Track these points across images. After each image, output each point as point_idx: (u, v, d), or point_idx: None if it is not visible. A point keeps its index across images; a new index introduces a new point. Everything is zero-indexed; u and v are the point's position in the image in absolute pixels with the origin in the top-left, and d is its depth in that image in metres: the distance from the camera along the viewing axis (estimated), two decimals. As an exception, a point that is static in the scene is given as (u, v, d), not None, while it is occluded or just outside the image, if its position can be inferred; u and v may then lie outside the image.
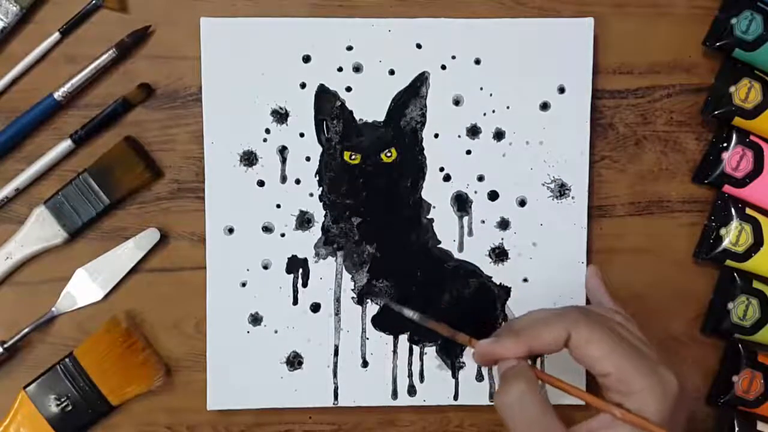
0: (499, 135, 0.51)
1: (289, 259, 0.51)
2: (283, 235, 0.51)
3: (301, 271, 0.51)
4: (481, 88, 0.51)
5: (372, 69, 0.51)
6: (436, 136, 0.51)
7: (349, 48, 0.50)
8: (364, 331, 0.52)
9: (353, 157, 0.51)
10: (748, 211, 0.52)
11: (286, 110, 0.51)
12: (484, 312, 0.52)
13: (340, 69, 0.51)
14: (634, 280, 0.53)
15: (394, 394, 0.52)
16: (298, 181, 0.51)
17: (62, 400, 0.50)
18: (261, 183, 0.51)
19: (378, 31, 0.50)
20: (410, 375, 0.52)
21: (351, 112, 0.51)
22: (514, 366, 0.41)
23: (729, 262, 0.52)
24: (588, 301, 0.50)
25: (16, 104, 0.51)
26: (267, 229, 0.51)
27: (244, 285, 0.51)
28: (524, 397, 0.39)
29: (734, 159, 0.51)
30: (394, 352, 0.52)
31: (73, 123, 0.51)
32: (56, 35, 0.50)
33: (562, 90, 0.51)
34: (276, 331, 0.51)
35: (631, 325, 0.42)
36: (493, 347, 0.41)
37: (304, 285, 0.51)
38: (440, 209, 0.51)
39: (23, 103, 0.50)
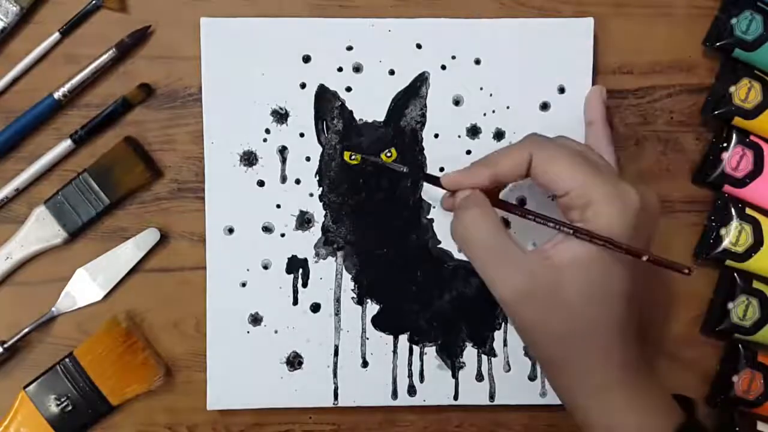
0: (499, 135, 0.51)
1: (289, 259, 0.51)
2: (283, 235, 0.51)
3: (301, 271, 0.51)
4: (481, 88, 0.51)
5: (372, 69, 0.51)
6: (436, 136, 0.51)
7: (349, 48, 0.50)
8: (364, 331, 0.52)
9: (353, 157, 0.51)
10: (748, 211, 0.52)
11: (286, 110, 0.51)
12: (484, 312, 0.52)
13: (340, 69, 0.51)
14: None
15: (394, 394, 0.52)
16: (298, 181, 0.51)
17: (62, 400, 0.50)
18: (261, 183, 0.51)
19: (378, 31, 0.50)
20: (410, 375, 0.52)
21: (351, 112, 0.51)
22: (467, 195, 0.42)
23: (729, 262, 0.52)
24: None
25: (16, 104, 0.51)
26: (267, 229, 0.51)
27: (244, 285, 0.51)
28: (477, 222, 0.41)
29: (734, 159, 0.51)
30: (394, 352, 0.52)
31: (73, 123, 0.51)
32: (56, 35, 0.50)
33: (562, 90, 0.51)
34: (276, 331, 0.51)
35: (597, 155, 0.43)
36: (457, 175, 0.42)
37: (304, 285, 0.51)
38: (440, 209, 0.51)
39: (23, 103, 0.50)
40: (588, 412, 0.41)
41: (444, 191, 0.45)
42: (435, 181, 0.45)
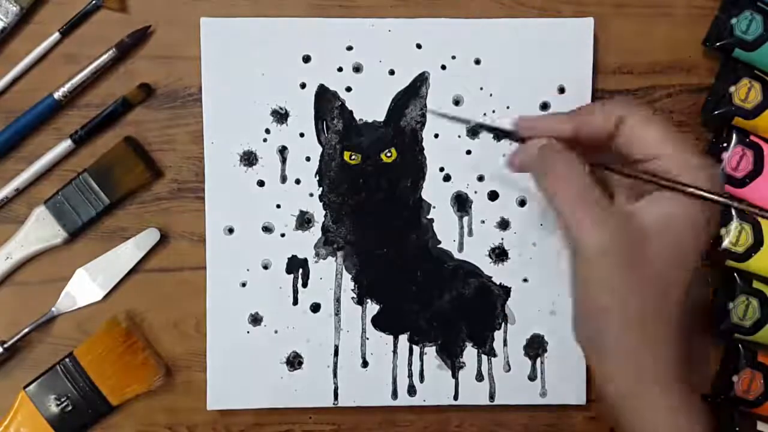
0: (499, 135, 0.51)
1: (289, 259, 0.51)
2: (283, 235, 0.51)
3: (301, 271, 0.51)
4: (481, 88, 0.51)
5: (372, 69, 0.51)
6: (436, 136, 0.51)
7: (349, 48, 0.50)
8: (364, 331, 0.52)
9: (353, 157, 0.51)
10: (749, 211, 0.52)
11: (286, 110, 0.51)
12: (484, 312, 0.52)
13: (340, 69, 0.51)
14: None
15: (394, 394, 0.52)
16: (298, 181, 0.51)
17: (62, 400, 0.50)
18: (261, 183, 0.51)
19: (378, 31, 0.50)
20: (410, 375, 0.52)
21: (351, 112, 0.51)
22: (549, 143, 0.39)
23: (729, 262, 0.52)
24: None
25: (16, 104, 0.51)
26: (267, 229, 0.51)
27: (244, 285, 0.51)
28: (569, 172, 0.38)
29: (734, 159, 0.51)
30: (394, 352, 0.52)
31: (73, 123, 0.51)
32: (56, 35, 0.50)
33: (562, 90, 0.51)
34: (276, 331, 0.51)
35: None
36: (537, 119, 0.40)
37: (304, 285, 0.51)
38: (440, 209, 0.51)
39: (23, 103, 0.50)
40: (633, 411, 0.37)
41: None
42: (504, 132, 0.41)
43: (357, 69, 0.51)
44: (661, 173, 0.37)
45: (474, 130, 0.51)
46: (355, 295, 0.52)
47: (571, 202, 0.37)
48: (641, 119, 0.38)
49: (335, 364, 0.52)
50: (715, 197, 0.37)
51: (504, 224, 0.52)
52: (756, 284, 0.52)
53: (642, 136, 0.38)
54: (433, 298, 0.52)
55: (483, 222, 0.51)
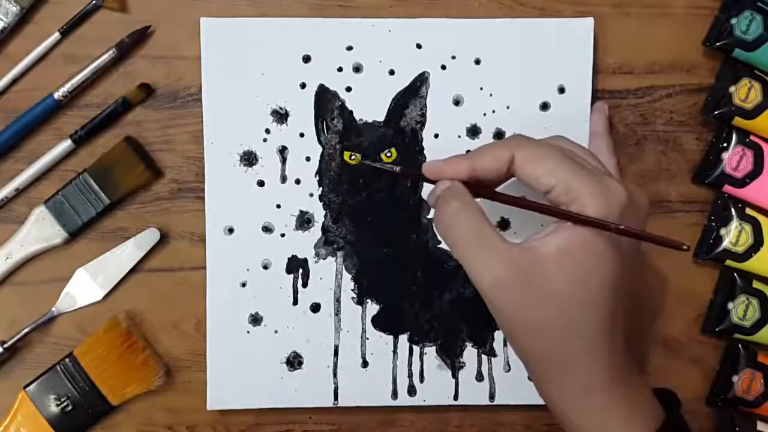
0: (499, 135, 0.51)
1: (289, 259, 0.51)
2: (283, 235, 0.51)
3: (301, 271, 0.51)
4: (481, 88, 0.51)
5: (372, 69, 0.51)
6: (436, 136, 0.51)
7: (349, 48, 0.50)
8: (364, 331, 0.52)
9: (353, 157, 0.51)
10: (748, 211, 0.52)
11: (286, 110, 0.51)
12: (484, 312, 0.52)
13: (340, 69, 0.51)
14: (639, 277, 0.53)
15: (394, 394, 0.52)
16: (298, 181, 0.51)
17: (62, 400, 0.50)
18: (261, 183, 0.51)
19: (378, 31, 0.50)
20: (410, 375, 0.52)
21: (351, 112, 0.51)
22: (448, 186, 0.41)
23: (729, 262, 0.52)
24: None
25: (16, 104, 0.51)
26: (267, 229, 0.51)
27: (244, 285, 0.51)
28: (458, 215, 0.40)
29: (734, 159, 0.51)
30: (394, 352, 0.52)
31: (73, 123, 0.51)
32: (56, 35, 0.50)
33: (562, 90, 0.51)
34: (276, 331, 0.51)
35: (592, 156, 0.43)
36: (438, 163, 0.42)
37: (304, 285, 0.51)
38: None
39: (23, 103, 0.50)
40: (569, 413, 0.40)
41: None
42: (416, 173, 0.44)
43: (357, 69, 0.51)
44: (559, 204, 0.39)
45: (474, 130, 0.51)
46: (355, 295, 0.52)
47: (462, 244, 0.40)
48: (529, 155, 0.40)
49: (335, 364, 0.52)
50: (591, 220, 0.38)
51: (504, 224, 0.52)
52: (756, 284, 0.52)
53: (532, 170, 0.40)
54: (433, 298, 0.52)
55: (483, 222, 0.51)
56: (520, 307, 0.39)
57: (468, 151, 0.51)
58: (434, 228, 0.42)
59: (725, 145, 0.52)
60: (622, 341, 0.40)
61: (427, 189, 0.51)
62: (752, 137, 0.52)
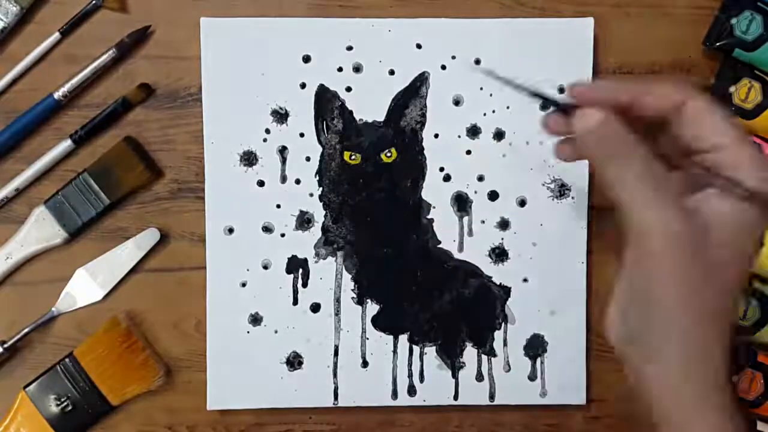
0: (499, 135, 0.51)
1: (289, 259, 0.51)
2: (283, 235, 0.51)
3: (301, 271, 0.51)
4: (481, 88, 0.51)
5: (372, 69, 0.51)
6: (436, 136, 0.51)
7: (349, 48, 0.50)
8: (364, 331, 0.52)
9: (353, 157, 0.51)
10: (748, 211, 0.52)
11: (286, 110, 0.51)
12: (484, 312, 0.52)
13: (340, 69, 0.51)
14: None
15: (394, 394, 0.52)
16: (298, 181, 0.51)
17: (62, 400, 0.50)
18: (261, 183, 0.51)
19: (378, 31, 0.50)
20: (410, 375, 0.52)
21: (351, 112, 0.51)
22: (605, 116, 0.35)
23: (729, 262, 0.52)
24: None
25: (16, 104, 0.51)
26: (267, 229, 0.51)
27: (244, 285, 0.51)
28: (630, 145, 0.35)
29: (734, 159, 0.51)
30: (394, 352, 0.52)
31: (73, 123, 0.51)
32: (56, 35, 0.50)
33: (562, 90, 0.51)
34: (276, 331, 0.51)
35: None
36: (591, 87, 0.37)
37: (304, 285, 0.51)
38: (440, 209, 0.51)
39: (23, 103, 0.50)
40: (678, 399, 0.35)
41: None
42: (549, 99, 0.39)
43: (357, 69, 0.51)
44: (720, 166, 0.35)
45: (474, 130, 0.51)
46: (355, 295, 0.52)
47: (640, 185, 0.34)
48: (705, 106, 0.36)
49: (335, 364, 0.52)
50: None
51: (504, 224, 0.52)
52: (756, 284, 0.52)
53: (706, 123, 0.36)
54: (433, 298, 0.52)
55: (483, 222, 0.51)
56: (684, 267, 0.34)
57: (468, 152, 0.51)
58: (592, 162, 0.36)
59: (725, 145, 0.52)
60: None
61: (427, 189, 0.51)
62: (752, 137, 0.52)
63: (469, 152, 0.51)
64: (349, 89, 0.51)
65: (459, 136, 0.51)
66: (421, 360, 0.52)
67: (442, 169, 0.51)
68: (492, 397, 0.52)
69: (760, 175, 0.35)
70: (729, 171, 0.35)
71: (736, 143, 0.35)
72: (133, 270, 0.52)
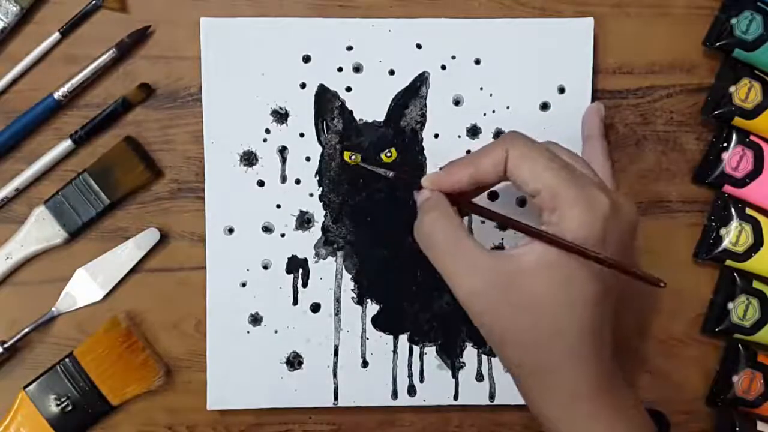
0: (499, 135, 0.51)
1: (289, 259, 0.51)
2: (283, 235, 0.51)
3: (301, 271, 0.51)
4: (481, 88, 0.51)
5: (372, 69, 0.51)
6: (436, 136, 0.51)
7: (349, 48, 0.50)
8: (364, 331, 0.52)
9: (353, 157, 0.51)
10: (748, 211, 0.52)
11: (286, 110, 0.51)
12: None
13: (340, 69, 0.51)
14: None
15: (394, 394, 0.52)
16: (298, 181, 0.51)
17: (62, 400, 0.50)
18: (261, 183, 0.51)
19: (378, 31, 0.50)
20: (410, 375, 0.52)
21: (351, 112, 0.51)
22: (429, 197, 0.41)
23: (729, 262, 0.52)
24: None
25: (16, 104, 0.51)
26: (267, 229, 0.51)
27: (244, 285, 0.51)
28: (436, 225, 0.40)
29: (734, 159, 0.51)
30: (394, 352, 0.52)
31: (73, 123, 0.51)
32: (56, 35, 0.50)
33: (562, 90, 0.51)
34: (276, 331, 0.51)
35: (583, 164, 0.41)
36: (437, 175, 0.42)
37: (304, 285, 0.51)
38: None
39: (23, 103, 0.50)
40: (556, 422, 0.40)
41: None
42: (412, 180, 0.43)
43: (357, 69, 0.51)
44: (543, 209, 0.38)
45: (474, 130, 0.51)
46: (355, 295, 0.52)
47: (440, 254, 0.40)
48: (519, 155, 0.39)
49: (335, 364, 0.52)
50: (566, 245, 0.37)
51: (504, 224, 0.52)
52: (756, 284, 0.52)
53: (520, 171, 0.39)
54: (433, 298, 0.52)
55: (483, 222, 0.51)
56: (499, 315, 0.39)
57: (468, 152, 0.51)
58: (415, 236, 0.41)
59: (725, 145, 0.52)
60: (609, 350, 0.39)
61: (427, 189, 0.51)
62: (752, 137, 0.52)
63: (469, 152, 0.51)
64: (349, 89, 0.51)
65: (459, 136, 0.51)
66: (421, 360, 0.52)
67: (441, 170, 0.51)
68: (492, 397, 0.52)
69: (572, 210, 0.37)
70: (548, 214, 0.38)
71: (549, 188, 0.38)
72: (133, 270, 0.52)
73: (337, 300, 0.52)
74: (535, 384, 0.40)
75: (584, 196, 0.38)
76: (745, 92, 0.51)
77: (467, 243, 0.39)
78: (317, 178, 0.51)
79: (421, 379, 0.52)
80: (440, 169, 0.42)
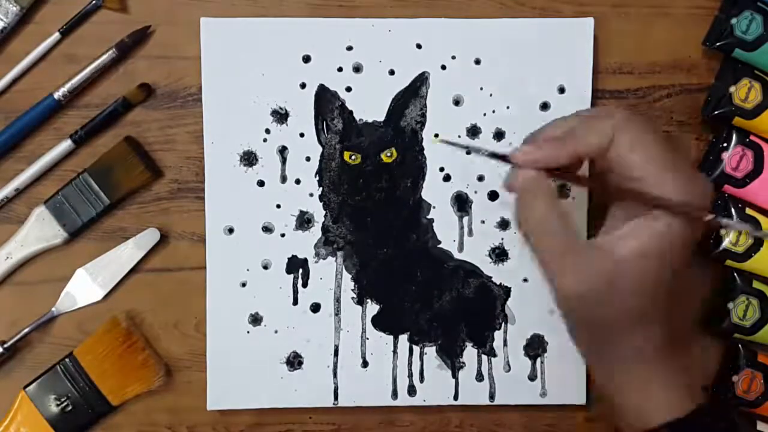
0: (499, 135, 0.51)
1: (289, 259, 0.51)
2: (283, 235, 0.51)
3: (301, 271, 0.51)
4: (481, 88, 0.51)
5: (372, 69, 0.51)
6: (436, 136, 0.51)
7: (349, 48, 0.50)
8: (364, 331, 0.52)
9: (353, 157, 0.51)
10: (748, 211, 0.52)
11: (286, 110, 0.51)
12: (484, 312, 0.52)
13: (340, 69, 0.51)
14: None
15: (394, 394, 0.52)
16: (298, 181, 0.51)
17: (62, 400, 0.50)
18: (261, 183, 0.51)
19: (378, 31, 0.50)
20: (410, 375, 0.52)
21: (351, 112, 0.51)
22: (534, 178, 0.40)
23: (729, 262, 0.52)
24: None
25: (16, 104, 0.51)
26: (267, 229, 0.51)
27: (244, 285, 0.51)
28: (545, 213, 0.40)
29: (734, 159, 0.51)
30: (394, 352, 0.52)
31: (73, 123, 0.51)
32: (56, 35, 0.50)
33: (562, 90, 0.51)
34: (276, 331, 0.51)
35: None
36: (535, 152, 0.41)
37: (304, 285, 0.51)
38: (440, 209, 0.51)
39: (23, 103, 0.50)
40: (622, 388, 0.42)
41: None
42: (505, 158, 0.42)
43: (357, 69, 0.51)
44: (645, 193, 0.39)
45: (474, 130, 0.51)
46: (355, 295, 0.52)
47: (548, 249, 0.40)
48: (627, 143, 0.39)
49: (335, 364, 0.52)
50: (691, 211, 0.38)
51: (504, 224, 0.52)
52: (756, 284, 0.52)
53: (627, 161, 0.39)
54: (433, 298, 0.52)
55: (483, 222, 0.51)
56: (595, 312, 0.40)
57: (468, 152, 0.51)
58: (518, 220, 0.41)
59: (725, 145, 0.52)
60: (670, 331, 0.42)
61: (427, 189, 0.51)
62: (752, 137, 0.52)
63: (469, 152, 0.51)
64: (349, 89, 0.51)
65: (459, 136, 0.51)
66: (421, 360, 0.52)
67: (442, 169, 0.51)
68: (492, 397, 0.52)
69: (681, 194, 0.38)
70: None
71: (656, 177, 0.38)
72: (133, 270, 0.52)
73: (337, 300, 0.52)
74: (607, 358, 0.42)
75: (691, 188, 0.38)
76: (745, 92, 0.51)
77: (575, 238, 0.40)
78: (317, 178, 0.51)
79: (421, 379, 0.52)
80: (525, 142, 0.42)
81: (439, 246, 0.52)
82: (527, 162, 0.41)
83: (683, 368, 0.42)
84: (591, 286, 0.39)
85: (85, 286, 0.51)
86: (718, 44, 0.51)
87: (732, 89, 0.51)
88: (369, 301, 0.52)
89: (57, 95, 0.50)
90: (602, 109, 0.42)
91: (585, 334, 0.43)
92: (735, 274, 0.52)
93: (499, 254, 0.52)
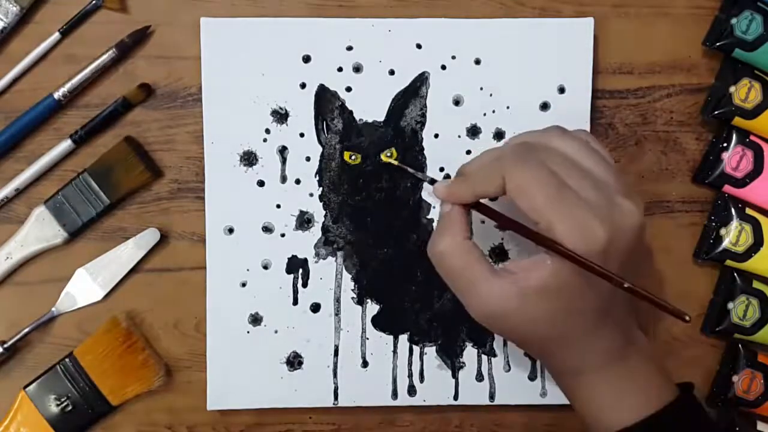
0: (499, 135, 0.51)
1: (289, 259, 0.51)
2: (283, 235, 0.51)
3: (301, 271, 0.51)
4: (481, 88, 0.51)
5: (372, 69, 0.51)
6: (436, 136, 0.51)
7: (349, 48, 0.50)
8: (364, 331, 0.52)
9: (353, 157, 0.51)
10: (748, 211, 0.52)
11: (286, 110, 0.51)
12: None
13: (340, 69, 0.51)
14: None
15: (394, 394, 0.52)
16: (298, 181, 0.51)
17: (62, 400, 0.50)
18: (261, 183, 0.51)
19: (378, 31, 0.50)
20: (410, 375, 0.52)
21: (351, 112, 0.51)
22: (448, 212, 0.43)
23: (729, 262, 0.52)
24: None
25: (16, 104, 0.51)
26: (267, 229, 0.51)
27: (244, 285, 0.51)
28: (449, 248, 0.42)
29: (734, 159, 0.51)
30: (394, 352, 0.52)
31: (73, 123, 0.51)
32: (56, 35, 0.50)
33: (562, 90, 0.51)
34: (276, 331, 0.51)
35: (586, 151, 0.42)
36: (446, 189, 0.43)
37: (304, 285, 0.51)
38: (440, 209, 0.51)
39: (23, 103, 0.50)
40: (572, 397, 0.44)
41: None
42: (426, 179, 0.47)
43: (357, 69, 0.51)
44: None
45: (474, 130, 0.51)
46: (355, 295, 0.52)
47: (453, 278, 0.42)
48: (514, 188, 0.40)
49: (335, 364, 0.52)
50: (578, 260, 0.38)
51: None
52: (756, 284, 0.52)
53: (518, 202, 0.40)
54: (433, 298, 0.52)
55: (483, 222, 0.51)
56: (513, 330, 0.42)
57: (468, 152, 0.51)
58: (428, 252, 0.43)
59: (725, 145, 0.52)
60: (621, 332, 0.42)
61: (427, 189, 0.51)
62: (752, 137, 0.52)
63: (469, 152, 0.51)
64: (349, 89, 0.51)
65: (459, 136, 0.51)
66: (421, 360, 0.52)
67: (442, 169, 0.51)
68: (492, 397, 0.52)
69: (570, 245, 0.38)
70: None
71: (546, 221, 0.39)
72: (133, 270, 0.52)
73: (337, 300, 0.52)
74: (552, 364, 0.44)
75: (579, 229, 0.38)
76: (745, 92, 0.51)
77: (479, 270, 0.41)
78: (317, 178, 0.51)
79: (421, 379, 0.52)
80: (457, 173, 0.45)
81: (439, 246, 0.52)
82: (441, 195, 0.43)
83: (638, 373, 0.43)
84: (497, 309, 0.41)
85: (85, 286, 0.51)
86: (718, 44, 0.51)
87: (732, 89, 0.51)
88: (369, 301, 0.52)
89: (57, 95, 0.50)
90: (504, 148, 0.43)
91: (524, 348, 0.45)
92: (735, 274, 0.52)
93: (499, 254, 0.52)
